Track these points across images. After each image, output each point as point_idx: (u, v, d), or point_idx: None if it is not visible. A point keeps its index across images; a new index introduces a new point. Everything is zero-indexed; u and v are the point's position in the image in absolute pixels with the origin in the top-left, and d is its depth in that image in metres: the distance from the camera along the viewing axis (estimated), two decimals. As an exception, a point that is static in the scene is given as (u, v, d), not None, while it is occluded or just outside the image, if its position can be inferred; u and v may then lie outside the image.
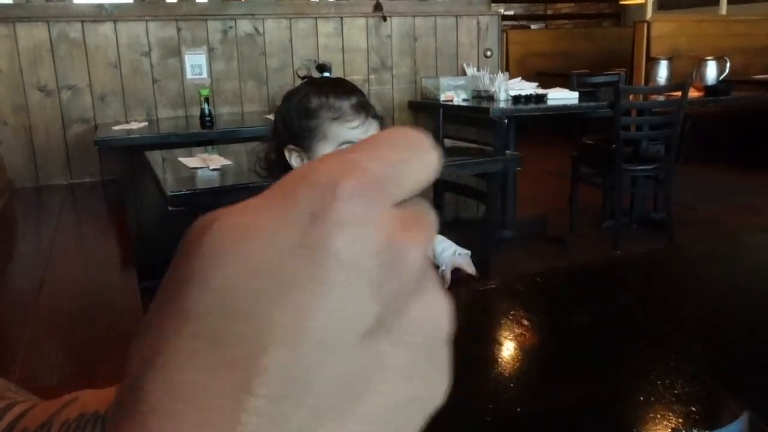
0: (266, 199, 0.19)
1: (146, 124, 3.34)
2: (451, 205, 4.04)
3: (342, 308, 0.18)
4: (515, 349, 0.94)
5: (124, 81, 3.47)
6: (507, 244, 3.82)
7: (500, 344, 0.96)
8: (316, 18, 3.77)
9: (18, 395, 0.57)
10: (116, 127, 3.20)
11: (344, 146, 1.26)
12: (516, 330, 0.98)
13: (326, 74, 1.38)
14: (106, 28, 3.41)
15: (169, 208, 1.60)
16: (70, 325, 1.84)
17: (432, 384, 0.21)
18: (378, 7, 3.87)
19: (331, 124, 1.27)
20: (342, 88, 1.31)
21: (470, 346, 0.94)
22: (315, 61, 1.47)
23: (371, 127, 1.29)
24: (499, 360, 0.91)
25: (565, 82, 4.18)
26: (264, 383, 0.17)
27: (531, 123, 5.38)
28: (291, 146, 1.30)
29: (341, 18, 3.81)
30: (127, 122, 3.38)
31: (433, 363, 0.20)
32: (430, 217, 0.22)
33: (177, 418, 0.17)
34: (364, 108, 1.29)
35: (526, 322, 1.00)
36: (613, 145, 3.58)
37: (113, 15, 3.42)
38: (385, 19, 3.87)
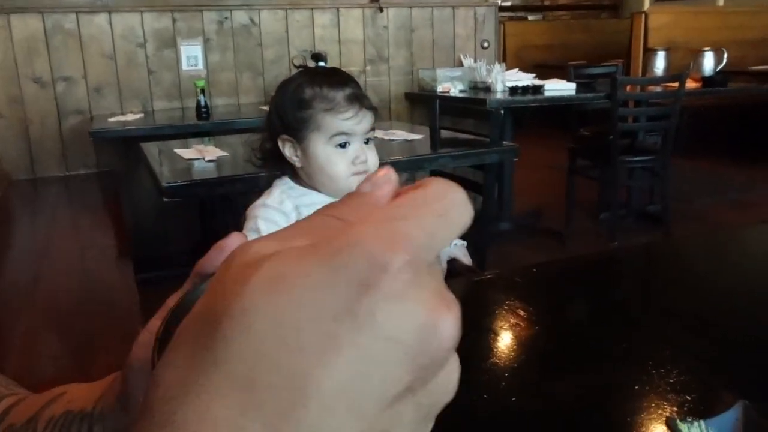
0: (315, 254, 0.20)
1: (142, 115, 3.33)
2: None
3: (377, 375, 0.19)
4: (511, 339, 0.94)
5: (119, 72, 3.45)
6: (504, 237, 3.82)
7: (496, 335, 0.96)
8: (312, 9, 3.75)
9: (6, 388, 0.56)
10: (112, 119, 3.19)
11: (337, 137, 1.27)
12: (512, 320, 0.98)
13: (322, 64, 1.38)
14: (101, 18, 3.39)
15: (165, 200, 1.60)
16: (67, 318, 1.84)
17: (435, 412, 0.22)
18: (374, -2, 3.86)
19: (324, 115, 1.26)
20: (336, 78, 1.30)
21: (465, 336, 0.94)
22: (311, 51, 1.46)
23: (365, 119, 1.28)
24: (495, 350, 0.91)
25: (562, 74, 4.16)
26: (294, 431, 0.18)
27: (528, 115, 5.37)
28: (284, 136, 1.29)
29: (337, 9, 3.79)
30: (122, 114, 3.36)
31: (438, 411, 0.22)
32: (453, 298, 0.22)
33: None
34: (357, 99, 1.29)
35: (522, 313, 1.00)
36: (610, 137, 3.57)
37: (108, 6, 3.40)
38: (381, 10, 3.85)
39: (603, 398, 0.77)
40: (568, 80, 3.93)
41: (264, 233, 1.21)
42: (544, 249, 3.69)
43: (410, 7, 3.94)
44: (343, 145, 1.28)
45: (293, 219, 1.27)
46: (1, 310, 1.84)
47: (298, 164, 1.30)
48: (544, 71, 4.46)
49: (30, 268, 2.13)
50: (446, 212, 0.22)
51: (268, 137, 1.33)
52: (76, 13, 3.34)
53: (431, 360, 0.20)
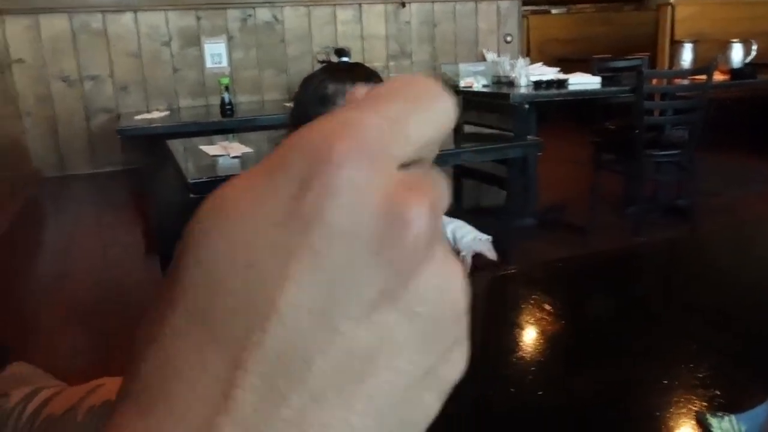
0: (260, 167, 0.18)
1: (167, 113, 3.37)
2: (471, 192, 4.03)
3: (339, 279, 0.17)
4: (536, 334, 0.94)
5: (144, 70, 3.49)
6: (527, 232, 3.80)
7: (521, 329, 0.95)
8: (334, 5, 3.76)
9: (44, 380, 0.58)
10: (138, 117, 3.23)
11: None
12: (537, 315, 0.98)
13: (345, 59, 1.38)
14: (127, 18, 3.43)
15: (191, 196, 1.62)
16: (93, 313, 1.87)
17: (449, 357, 0.19)
18: (397, -6, 3.85)
19: None
20: (358, 73, 1.31)
21: (490, 330, 0.94)
22: (334, 47, 1.47)
23: None
24: (520, 344, 0.91)
25: (586, 68, 4.12)
26: (257, 360, 0.16)
27: (552, 110, 5.32)
28: None
29: (360, 5, 3.80)
30: (148, 112, 3.41)
31: (449, 334, 0.19)
32: (439, 178, 0.20)
33: (168, 396, 0.17)
34: None
35: (547, 308, 1.00)
36: (636, 131, 3.53)
37: (133, 5, 3.44)
38: (403, 5, 3.84)
39: (631, 393, 0.77)
40: (592, 74, 3.89)
41: None
42: (568, 244, 3.65)
43: (432, 2, 3.93)
44: None
45: None
46: (32, 304, 1.88)
47: None
48: (568, 65, 4.42)
49: (58, 264, 2.17)
50: (411, 99, 0.19)
51: (291, 133, 1.34)
52: (102, 12, 3.39)
53: (405, 254, 0.17)
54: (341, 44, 3.78)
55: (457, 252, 1.35)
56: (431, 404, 0.19)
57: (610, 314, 1.04)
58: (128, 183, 3.36)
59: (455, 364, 0.19)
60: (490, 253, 1.33)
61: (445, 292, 0.18)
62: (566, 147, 5.43)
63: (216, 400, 0.16)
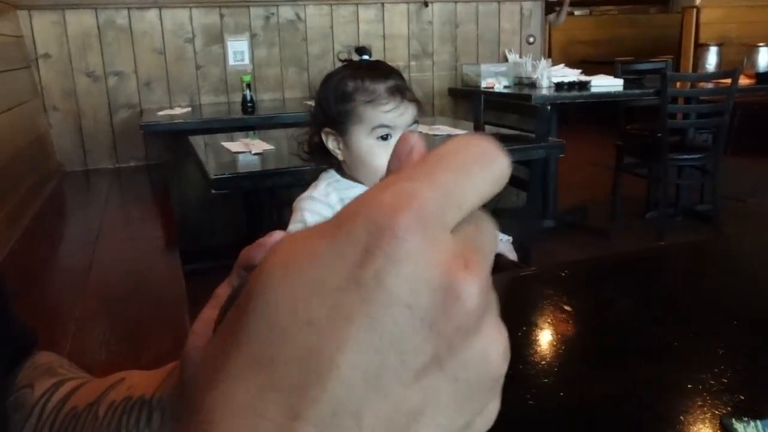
0: (324, 229, 0.20)
1: (189, 109, 3.40)
2: (491, 194, 4.01)
3: (393, 345, 0.18)
4: (558, 334, 0.93)
5: (168, 67, 3.52)
6: (548, 234, 3.78)
7: (542, 329, 0.95)
8: (357, 4, 3.76)
9: (69, 372, 0.58)
10: (161, 113, 3.26)
11: (378, 129, 1.27)
12: (559, 316, 0.97)
13: (366, 57, 1.38)
14: (152, 14, 3.46)
15: (212, 191, 1.63)
16: (118, 305, 1.89)
17: (484, 413, 0.21)
18: (420, -7, 3.85)
19: (366, 107, 1.27)
20: (378, 71, 1.31)
21: (512, 330, 0.93)
22: (356, 46, 1.47)
23: (407, 111, 1.28)
24: (542, 345, 0.90)
25: (609, 70, 4.09)
26: (314, 412, 0.18)
27: (574, 112, 5.30)
28: (327, 129, 1.31)
29: (382, 4, 3.80)
30: (171, 108, 3.44)
31: (487, 394, 0.20)
32: (490, 245, 0.21)
33: (228, 430, 0.18)
34: (399, 91, 1.29)
35: (568, 309, 0.99)
36: (659, 134, 3.50)
37: (159, 2, 3.47)
38: (426, 5, 3.84)
39: (654, 396, 0.76)
40: (615, 76, 3.86)
41: (310, 225, 1.23)
42: (589, 247, 3.63)
43: (455, 2, 3.92)
44: (385, 138, 1.28)
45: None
46: (57, 296, 1.90)
47: (340, 157, 1.32)
48: (591, 67, 4.39)
49: (83, 257, 2.19)
50: (463, 166, 0.20)
51: (314, 131, 1.35)
52: (128, 9, 3.42)
53: (454, 326, 0.19)
54: (363, 43, 3.78)
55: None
56: None
57: (632, 316, 1.03)
58: (150, 178, 3.39)
59: (488, 417, 0.21)
60: (511, 254, 1.33)
61: (488, 361, 0.20)
62: (588, 149, 5.40)
63: None
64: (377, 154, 1.29)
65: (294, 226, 1.26)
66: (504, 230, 1.41)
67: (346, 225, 0.19)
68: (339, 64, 1.41)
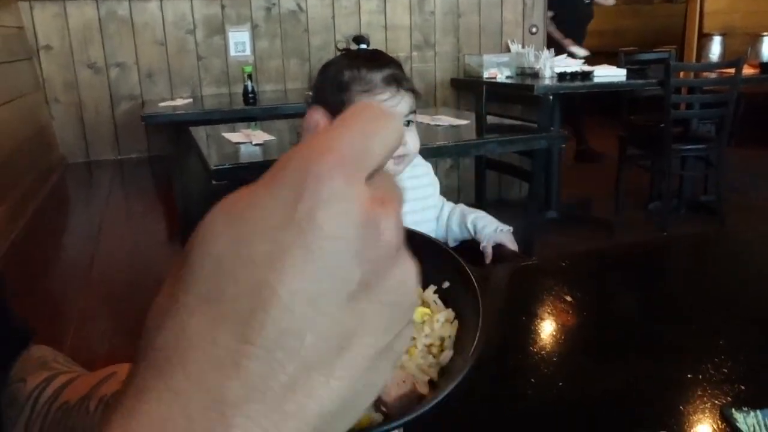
0: (260, 181, 0.22)
1: (191, 100, 3.39)
2: (494, 185, 4.00)
3: (328, 273, 0.21)
4: (558, 325, 0.93)
5: (170, 59, 3.51)
6: (551, 226, 3.77)
7: (542, 320, 0.94)
8: (359, -5, 3.74)
9: (63, 365, 0.58)
10: (162, 104, 3.25)
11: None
12: (559, 306, 0.97)
13: (363, 46, 1.37)
14: (153, 6, 3.45)
15: (213, 182, 1.62)
16: (119, 298, 1.89)
17: (402, 334, 0.24)
18: (422, -16, 3.82)
19: (362, 97, 1.25)
20: (375, 60, 1.29)
21: (512, 320, 0.93)
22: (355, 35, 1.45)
23: (403, 100, 1.27)
24: (542, 336, 0.90)
25: (612, 61, 4.06)
26: (260, 336, 0.20)
27: (577, 103, 5.27)
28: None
29: (385, -5, 3.78)
30: (172, 99, 3.43)
31: (405, 317, 0.24)
32: (399, 192, 0.25)
33: (185, 364, 0.21)
34: (396, 80, 1.27)
35: (569, 299, 0.99)
36: (662, 125, 3.48)
37: (160, -7, 3.45)
38: (428, -5, 3.82)
39: (653, 387, 0.76)
40: (618, 66, 3.84)
41: None
42: (592, 239, 3.62)
43: (458, -7, 3.90)
44: None
45: None
46: (59, 290, 1.90)
47: None
48: (594, 58, 4.37)
49: (86, 249, 2.20)
50: (367, 123, 0.24)
51: None
52: (130, 1, 3.41)
53: (378, 255, 0.22)
54: (364, 34, 3.77)
55: (477, 243, 1.34)
56: (387, 371, 0.24)
57: (633, 308, 1.02)
58: (153, 170, 3.39)
59: (405, 339, 0.24)
60: (512, 245, 1.32)
61: (406, 286, 0.23)
62: (591, 141, 5.37)
63: (227, 367, 0.20)
64: None
65: None
66: (506, 221, 1.41)
67: (279, 173, 0.22)
68: (338, 54, 1.40)
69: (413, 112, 1.30)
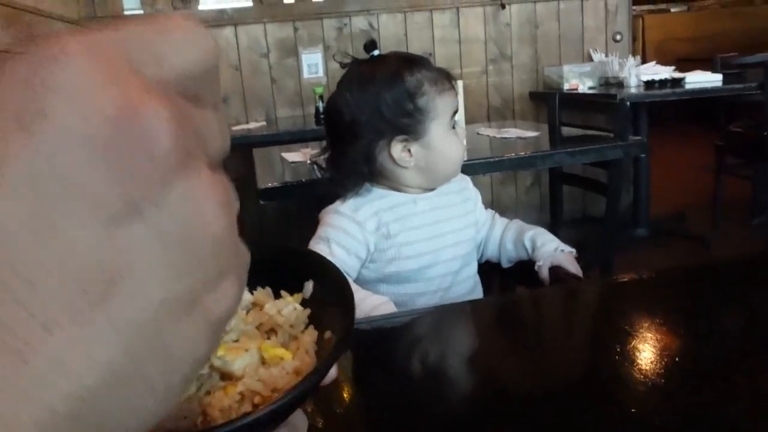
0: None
1: (264, 123, 3.41)
2: (578, 201, 3.80)
3: (66, 186, 0.15)
4: (647, 346, 0.79)
5: (244, 82, 3.56)
6: (640, 243, 3.53)
7: (632, 337, 0.81)
8: (431, 10, 3.67)
9: None
10: (236, 127, 3.29)
11: (452, 118, 1.17)
12: (646, 324, 0.83)
13: (375, 52, 1.26)
14: (228, 32, 3.52)
15: (260, 202, 1.58)
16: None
17: (214, 288, 0.18)
18: (496, -5, 3.71)
19: (440, 98, 1.15)
20: (416, 58, 1.21)
21: (592, 337, 0.80)
22: (369, 40, 1.35)
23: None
24: (628, 355, 0.77)
25: (708, 68, 3.78)
26: None
27: (668, 112, 4.96)
28: (399, 137, 1.15)
29: (457, 9, 3.69)
30: (247, 122, 3.47)
31: (209, 262, 0.18)
32: (214, 121, 0.20)
33: None
34: (448, 74, 1.20)
35: (659, 319, 0.84)
36: (764, 132, 3.19)
37: (234, 19, 3.52)
38: (503, 6, 3.70)
39: (749, 416, 0.61)
40: (713, 71, 3.56)
41: (333, 243, 1.13)
42: (686, 256, 3.35)
43: (534, 2, 3.75)
44: (453, 126, 1.20)
45: (370, 227, 1.16)
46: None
47: (408, 164, 1.15)
48: (689, 65, 4.08)
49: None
50: (162, 27, 0.18)
51: (364, 145, 1.16)
52: (205, 27, 3.49)
53: (146, 165, 0.16)
54: (438, 49, 3.69)
55: (533, 263, 1.21)
56: (195, 337, 0.18)
57: (731, 329, 0.87)
58: (227, 192, 3.43)
59: (224, 298, 0.18)
60: (572, 267, 1.18)
61: (200, 212, 0.17)
62: (685, 151, 5.04)
63: None
64: (456, 145, 1.19)
65: (316, 245, 1.15)
66: (586, 240, 1.27)
67: (8, 64, 0.16)
68: (339, 70, 1.28)
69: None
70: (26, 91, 0.15)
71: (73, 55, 0.16)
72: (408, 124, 1.15)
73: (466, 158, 1.85)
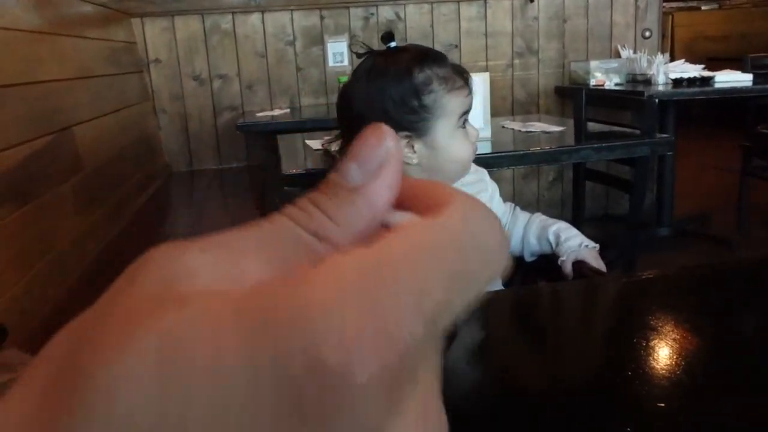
0: (239, 312, 0.13)
1: (288, 111, 3.42)
2: (600, 198, 3.77)
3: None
4: (670, 341, 0.78)
5: (270, 70, 3.57)
6: (663, 243, 3.49)
7: (656, 333, 0.80)
8: (458, 2, 3.65)
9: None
10: (260, 114, 3.30)
11: (461, 118, 1.14)
12: (670, 320, 0.82)
13: (393, 44, 1.23)
14: (254, 18, 3.53)
15: (285, 188, 1.59)
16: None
17: None
18: (525, -12, 3.68)
19: (449, 96, 1.12)
20: (432, 53, 1.17)
21: (615, 332, 0.80)
22: (386, 31, 1.32)
23: (471, 91, 1.17)
24: (651, 351, 0.76)
25: (739, 67, 3.72)
26: None
27: (696, 111, 4.89)
28: (402, 133, 1.13)
29: (485, 1, 3.66)
30: (271, 110, 3.48)
31: None
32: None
33: None
34: (463, 71, 1.17)
35: (683, 316, 0.84)
36: (794, 134, 3.13)
37: (261, 6, 3.53)
38: (531, 0, 3.66)
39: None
40: (743, 71, 3.50)
41: None
42: (709, 258, 3.31)
43: (563, -4, 3.72)
44: (463, 125, 1.17)
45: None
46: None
47: (413, 161, 1.14)
48: (719, 64, 4.02)
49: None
50: (468, 262, 0.15)
51: None
52: (233, 13, 3.50)
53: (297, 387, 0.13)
54: (464, 42, 3.67)
55: (556, 257, 1.20)
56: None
57: (752, 327, 0.86)
58: (249, 179, 3.45)
59: None
60: (596, 262, 1.17)
61: None
62: (711, 151, 4.97)
63: None
64: (464, 145, 1.16)
65: None
66: (608, 238, 1.26)
67: (279, 338, 0.13)
68: (355, 60, 1.26)
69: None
70: (274, 401, 0.13)
71: (354, 381, 0.13)
72: (412, 120, 1.13)
73: (490, 151, 1.84)
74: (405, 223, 0.16)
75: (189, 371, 0.13)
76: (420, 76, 1.13)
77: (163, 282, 0.15)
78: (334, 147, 1.25)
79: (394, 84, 1.13)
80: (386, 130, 0.17)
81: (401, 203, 0.17)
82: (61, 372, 0.14)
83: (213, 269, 0.15)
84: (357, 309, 0.13)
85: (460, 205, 0.16)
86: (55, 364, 0.14)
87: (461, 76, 1.15)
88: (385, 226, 0.17)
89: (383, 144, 0.17)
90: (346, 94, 1.20)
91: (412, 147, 1.15)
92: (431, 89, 1.13)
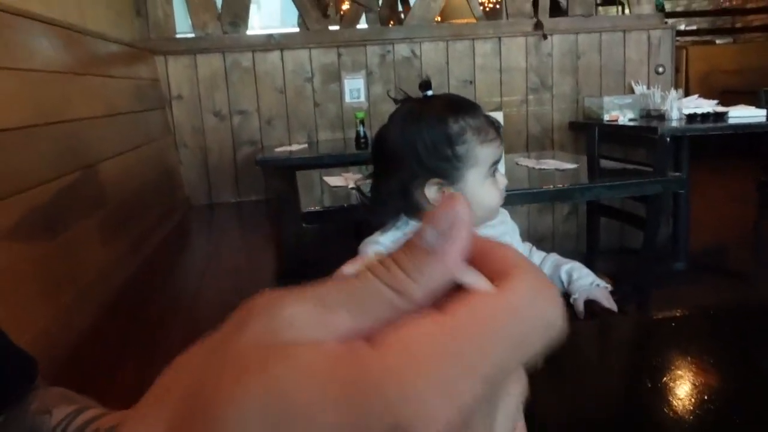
0: (334, 370, 0.16)
1: (306, 145, 3.49)
2: (615, 232, 3.77)
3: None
4: (677, 382, 0.81)
5: (288, 105, 3.66)
6: (679, 278, 3.48)
7: (663, 374, 0.83)
8: (473, 39, 3.73)
9: (86, 401, 0.58)
10: (278, 149, 3.37)
11: (491, 168, 1.17)
12: (678, 362, 0.85)
13: (429, 92, 1.28)
14: (274, 56, 3.62)
15: (303, 225, 1.63)
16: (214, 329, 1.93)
17: None
18: (538, 26, 3.75)
19: (482, 147, 1.15)
20: (467, 104, 1.21)
21: (623, 372, 0.82)
22: (424, 79, 1.37)
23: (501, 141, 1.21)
24: (659, 392, 0.78)
25: (754, 100, 3.74)
26: None
27: (711, 145, 4.91)
28: (434, 180, 1.16)
29: (499, 38, 3.74)
30: (289, 144, 3.55)
31: None
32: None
33: None
34: (495, 123, 1.21)
35: (691, 358, 0.86)
36: (809, 169, 3.13)
37: (281, 44, 3.62)
38: (545, 37, 3.73)
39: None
40: (758, 106, 3.52)
41: None
42: (726, 293, 3.29)
43: (576, 33, 3.78)
44: (493, 174, 1.21)
45: None
46: (163, 321, 1.97)
47: None
48: (734, 98, 4.04)
49: (192, 285, 2.27)
50: (527, 334, 0.17)
51: (402, 180, 1.18)
52: (253, 51, 3.60)
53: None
54: (479, 77, 3.73)
55: (568, 296, 1.23)
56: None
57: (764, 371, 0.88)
58: (268, 212, 3.50)
59: None
60: (607, 302, 1.19)
61: None
62: (727, 185, 4.97)
63: None
64: (493, 193, 1.19)
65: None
66: (622, 273, 1.29)
67: (370, 406, 0.15)
68: (390, 106, 1.31)
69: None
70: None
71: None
72: (444, 168, 1.16)
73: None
74: (475, 289, 0.18)
75: (290, 418, 0.15)
76: (454, 127, 1.16)
77: (268, 331, 0.17)
78: (363, 185, 1.29)
79: (428, 131, 1.16)
80: (460, 199, 0.20)
81: (472, 260, 0.20)
82: (188, 410, 0.16)
83: (308, 320, 0.18)
84: (428, 380, 0.15)
85: (525, 277, 0.19)
86: (181, 403, 0.17)
87: (493, 127, 1.19)
88: (457, 284, 0.19)
89: (457, 212, 0.19)
90: (381, 136, 1.24)
91: (443, 193, 1.18)
92: (464, 139, 1.16)
